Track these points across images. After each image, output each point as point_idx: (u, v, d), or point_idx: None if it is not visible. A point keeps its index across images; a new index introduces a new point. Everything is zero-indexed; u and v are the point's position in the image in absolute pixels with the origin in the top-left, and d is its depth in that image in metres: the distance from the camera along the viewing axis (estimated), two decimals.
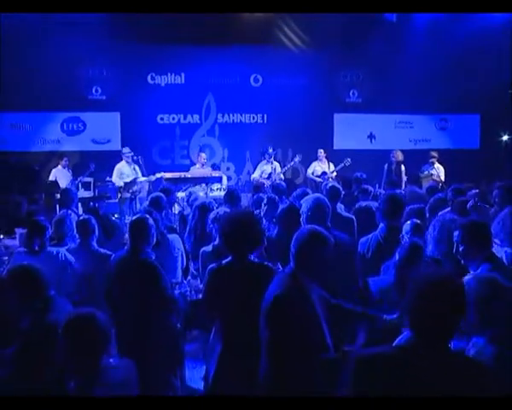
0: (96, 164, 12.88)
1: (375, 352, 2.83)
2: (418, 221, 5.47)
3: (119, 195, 12.16)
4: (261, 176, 12.89)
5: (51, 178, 12.75)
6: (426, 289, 2.70)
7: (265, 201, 7.27)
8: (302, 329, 3.66)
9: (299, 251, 3.88)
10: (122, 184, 12.19)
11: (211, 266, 4.60)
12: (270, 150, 13.12)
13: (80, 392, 3.19)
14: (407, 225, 5.43)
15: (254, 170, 13.53)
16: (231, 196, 7.75)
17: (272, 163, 13.09)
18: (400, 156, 13.23)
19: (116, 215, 10.99)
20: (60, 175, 12.80)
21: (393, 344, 3.00)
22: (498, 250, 4.88)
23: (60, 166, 13.01)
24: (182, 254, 6.26)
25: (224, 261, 4.55)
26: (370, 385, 2.68)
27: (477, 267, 4.39)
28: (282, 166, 13.37)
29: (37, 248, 5.70)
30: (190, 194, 9.33)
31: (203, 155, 13.32)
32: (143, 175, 12.32)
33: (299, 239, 3.94)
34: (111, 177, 12.50)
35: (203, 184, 11.70)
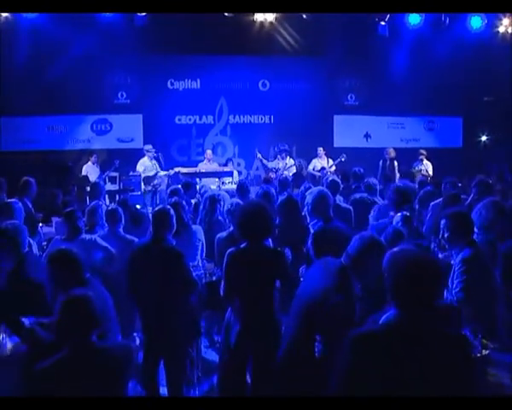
0: (121, 160, 12.93)
1: (368, 330, 2.76)
2: (407, 213, 5.49)
3: (143, 188, 12.24)
4: (272, 170, 13.00)
5: (83, 173, 12.86)
6: (405, 268, 2.63)
7: (259, 193, 7.22)
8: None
9: (358, 256, 3.72)
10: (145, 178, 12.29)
11: (230, 249, 4.63)
12: (286, 147, 13.20)
13: (68, 366, 3.18)
14: (397, 217, 5.45)
15: (264, 166, 13.61)
16: (241, 189, 7.81)
17: (284, 159, 13.14)
18: (393, 153, 13.31)
19: (138, 206, 11.05)
20: (90, 170, 12.90)
21: (380, 322, 2.89)
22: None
23: (90, 163, 13.11)
24: (202, 245, 6.20)
25: (241, 246, 4.59)
26: (365, 363, 2.59)
27: (460, 251, 4.45)
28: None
29: (72, 235, 5.74)
30: (202, 186, 9.31)
31: (209, 151, 13.45)
32: (162, 170, 12.39)
33: (360, 245, 3.75)
34: (134, 171, 12.57)
35: (216, 178, 11.75)
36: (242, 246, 4.57)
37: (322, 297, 3.60)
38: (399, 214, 5.45)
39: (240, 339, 4.43)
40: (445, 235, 4.55)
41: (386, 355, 2.57)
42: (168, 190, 8.14)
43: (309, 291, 3.81)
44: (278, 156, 13.28)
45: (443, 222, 4.58)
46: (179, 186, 8.15)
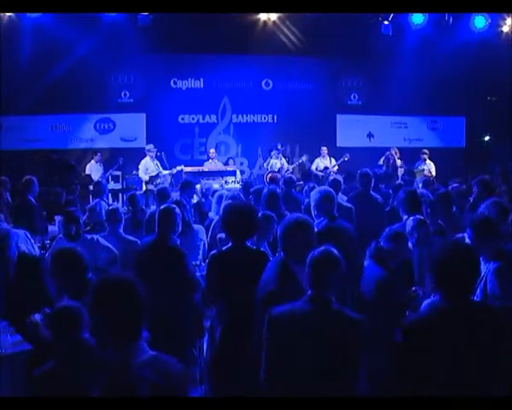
0: (124, 159, 12.96)
1: (421, 317, 2.96)
2: (421, 217, 5.37)
3: (145, 187, 12.24)
4: (271, 169, 12.97)
5: (87, 171, 12.89)
6: (450, 257, 2.83)
7: (254, 192, 7.17)
8: None
9: (284, 239, 3.79)
10: (148, 178, 12.28)
11: (212, 252, 4.64)
12: (279, 147, 13.20)
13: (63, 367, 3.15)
14: (410, 221, 5.28)
15: (264, 162, 13.59)
16: (247, 188, 7.83)
17: (281, 159, 13.16)
18: (397, 153, 13.27)
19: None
20: (93, 169, 12.95)
21: (423, 310, 3.13)
22: None
23: (93, 162, 13.13)
24: (204, 244, 6.18)
25: (224, 248, 4.58)
26: (422, 349, 2.75)
27: (489, 260, 4.27)
28: (289, 163, 13.45)
29: (73, 234, 5.70)
30: (204, 185, 9.25)
31: (212, 150, 13.55)
32: (165, 169, 12.40)
33: (282, 228, 3.85)
34: (137, 170, 12.58)
35: (219, 177, 11.74)
36: (225, 248, 4.57)
37: (262, 287, 3.81)
38: (412, 218, 5.30)
39: (223, 340, 4.42)
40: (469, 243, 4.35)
41: (440, 340, 2.73)
42: (156, 191, 8.01)
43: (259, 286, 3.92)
44: (279, 155, 13.29)
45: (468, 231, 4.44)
46: (168, 186, 8.05)
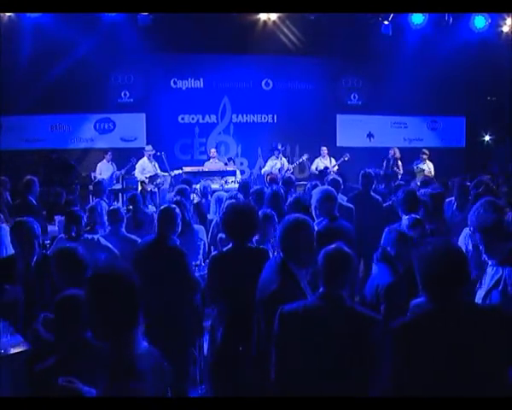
0: (125, 159, 12.94)
1: (408, 320, 2.88)
2: (417, 217, 5.36)
3: (140, 187, 12.25)
4: (272, 170, 12.96)
5: (97, 171, 12.91)
6: (436, 258, 2.76)
7: (254, 192, 7.16)
8: None
9: (283, 239, 3.72)
10: (144, 178, 12.30)
11: (213, 253, 4.62)
12: (280, 147, 13.19)
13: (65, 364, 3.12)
14: (405, 220, 5.28)
15: (265, 165, 13.57)
16: (245, 188, 7.82)
17: (281, 159, 13.15)
18: (397, 153, 13.26)
19: None
20: (104, 168, 12.97)
21: (410, 311, 3.06)
22: (473, 237, 4.85)
23: (105, 161, 13.15)
24: (204, 244, 6.17)
25: (224, 249, 4.57)
26: (413, 352, 2.69)
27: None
28: (289, 162, 13.45)
29: (74, 234, 5.70)
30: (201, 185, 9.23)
31: (213, 150, 13.59)
32: (164, 171, 12.40)
33: (281, 228, 3.77)
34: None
35: (219, 177, 11.73)
36: (225, 249, 4.56)
37: (262, 287, 3.73)
38: (407, 217, 5.30)
39: (225, 341, 4.42)
40: (480, 247, 4.20)
41: (429, 343, 2.67)
42: (176, 189, 8.07)
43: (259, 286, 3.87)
44: (279, 155, 13.28)
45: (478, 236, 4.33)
46: (186, 186, 8.07)
